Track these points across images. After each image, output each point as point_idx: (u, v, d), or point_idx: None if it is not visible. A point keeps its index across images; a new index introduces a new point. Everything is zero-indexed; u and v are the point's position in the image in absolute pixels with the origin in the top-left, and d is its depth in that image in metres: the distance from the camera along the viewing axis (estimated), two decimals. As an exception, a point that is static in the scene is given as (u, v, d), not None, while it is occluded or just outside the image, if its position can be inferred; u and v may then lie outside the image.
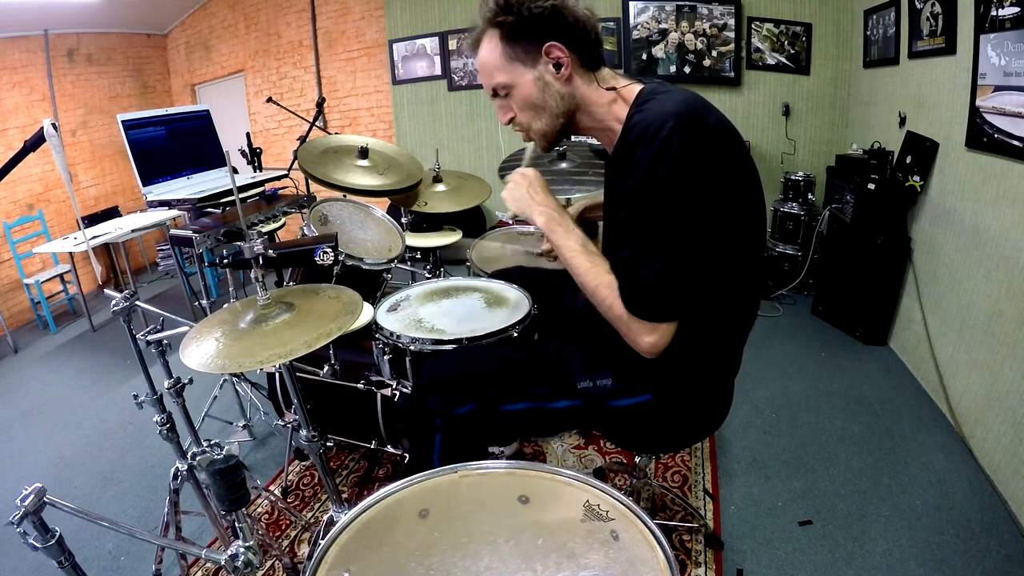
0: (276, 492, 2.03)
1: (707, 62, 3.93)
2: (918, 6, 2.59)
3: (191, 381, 1.39)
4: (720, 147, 0.95)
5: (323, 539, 0.80)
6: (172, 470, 1.39)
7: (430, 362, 1.29)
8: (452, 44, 4.51)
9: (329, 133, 4.86)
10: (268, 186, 2.84)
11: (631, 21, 3.99)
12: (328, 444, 1.93)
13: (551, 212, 1.13)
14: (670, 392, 1.14)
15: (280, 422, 2.03)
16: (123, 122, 2.85)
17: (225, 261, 1.33)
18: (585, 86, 1.07)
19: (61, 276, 4.21)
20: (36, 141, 1.32)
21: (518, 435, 1.88)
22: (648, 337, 0.98)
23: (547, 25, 1.01)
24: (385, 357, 1.61)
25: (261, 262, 1.23)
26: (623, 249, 0.98)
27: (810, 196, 3.66)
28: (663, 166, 0.91)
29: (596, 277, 1.04)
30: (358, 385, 1.77)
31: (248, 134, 3.22)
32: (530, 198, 1.16)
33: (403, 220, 2.38)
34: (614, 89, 1.07)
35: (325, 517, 1.52)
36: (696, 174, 0.92)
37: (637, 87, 1.05)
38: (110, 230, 3.97)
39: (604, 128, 1.11)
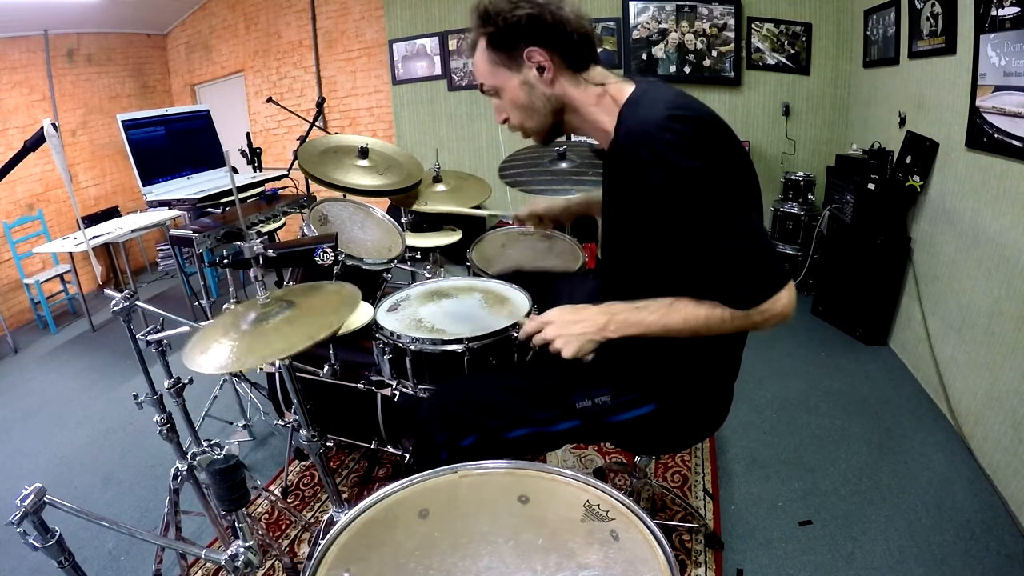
0: (276, 492, 2.03)
1: (707, 62, 3.93)
2: (918, 6, 2.59)
3: (191, 381, 1.39)
4: (716, 138, 0.95)
5: (323, 539, 0.80)
6: (172, 470, 1.39)
7: (429, 397, 1.29)
8: (452, 44, 4.50)
9: (329, 133, 4.86)
10: (268, 186, 2.85)
11: (631, 21, 3.99)
12: (328, 444, 1.93)
13: (608, 317, 1.05)
14: (672, 401, 1.14)
15: (280, 422, 2.03)
16: (123, 122, 2.85)
17: (225, 261, 1.33)
18: (572, 87, 1.07)
19: (61, 276, 4.21)
20: (36, 141, 1.32)
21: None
22: (776, 308, 0.93)
23: (526, 32, 1.03)
24: (385, 357, 1.60)
25: (261, 262, 1.23)
26: (696, 261, 0.95)
27: (810, 196, 3.66)
28: (682, 159, 0.90)
29: (695, 314, 0.98)
30: (358, 385, 1.77)
31: (248, 134, 3.22)
32: (591, 327, 1.05)
33: (403, 220, 2.38)
34: (603, 86, 1.07)
35: (325, 517, 1.52)
36: (709, 158, 0.91)
37: (628, 87, 1.05)
38: (110, 230, 3.97)
39: (596, 128, 1.11)
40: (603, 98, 1.07)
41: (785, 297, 0.94)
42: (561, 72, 1.06)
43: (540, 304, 1.57)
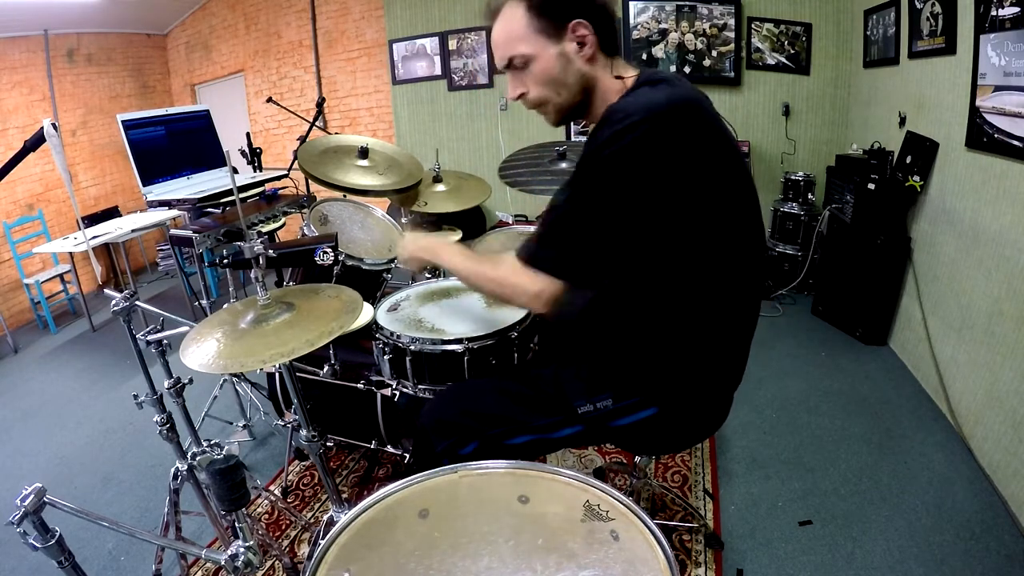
0: (276, 492, 2.03)
1: (707, 62, 3.92)
2: (918, 6, 2.59)
3: (191, 381, 1.39)
4: (691, 145, 0.93)
5: (323, 539, 0.80)
6: (172, 470, 1.39)
7: (428, 404, 1.29)
8: (452, 44, 4.50)
9: (329, 133, 4.86)
10: (268, 186, 2.85)
11: (631, 21, 3.98)
12: (328, 444, 1.93)
13: (436, 245, 1.27)
14: (674, 403, 1.14)
15: (280, 422, 2.03)
16: (123, 122, 2.86)
17: (225, 261, 1.33)
18: (602, 70, 1.07)
19: (61, 276, 4.21)
20: (36, 141, 1.32)
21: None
22: (531, 287, 1.03)
23: (576, 3, 1.02)
24: (385, 357, 1.61)
25: (261, 262, 1.23)
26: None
27: (810, 196, 3.66)
28: (608, 148, 0.93)
29: (495, 269, 1.11)
30: (358, 385, 1.77)
31: (248, 134, 3.22)
32: (421, 243, 1.31)
33: (403, 220, 2.38)
34: (621, 79, 1.07)
35: (325, 517, 1.52)
36: (641, 168, 0.92)
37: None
38: (110, 230, 3.97)
39: None
40: (621, 90, 1.06)
41: (540, 283, 1.02)
42: (597, 52, 1.06)
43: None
